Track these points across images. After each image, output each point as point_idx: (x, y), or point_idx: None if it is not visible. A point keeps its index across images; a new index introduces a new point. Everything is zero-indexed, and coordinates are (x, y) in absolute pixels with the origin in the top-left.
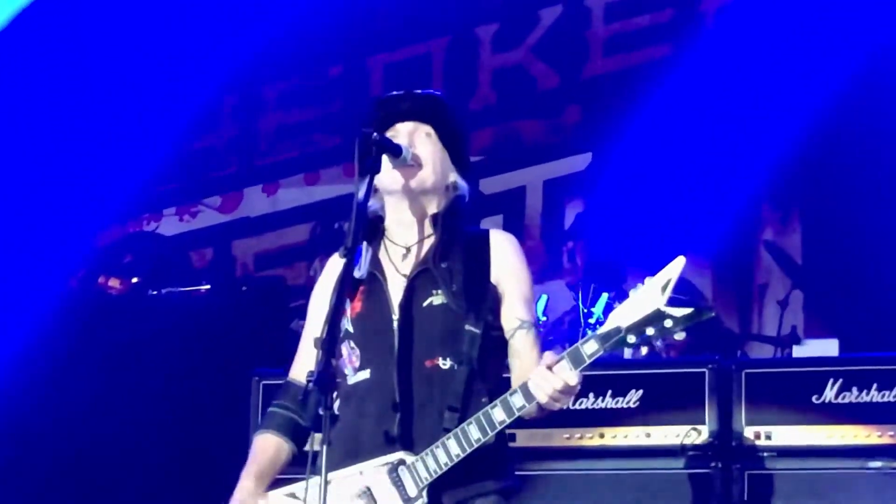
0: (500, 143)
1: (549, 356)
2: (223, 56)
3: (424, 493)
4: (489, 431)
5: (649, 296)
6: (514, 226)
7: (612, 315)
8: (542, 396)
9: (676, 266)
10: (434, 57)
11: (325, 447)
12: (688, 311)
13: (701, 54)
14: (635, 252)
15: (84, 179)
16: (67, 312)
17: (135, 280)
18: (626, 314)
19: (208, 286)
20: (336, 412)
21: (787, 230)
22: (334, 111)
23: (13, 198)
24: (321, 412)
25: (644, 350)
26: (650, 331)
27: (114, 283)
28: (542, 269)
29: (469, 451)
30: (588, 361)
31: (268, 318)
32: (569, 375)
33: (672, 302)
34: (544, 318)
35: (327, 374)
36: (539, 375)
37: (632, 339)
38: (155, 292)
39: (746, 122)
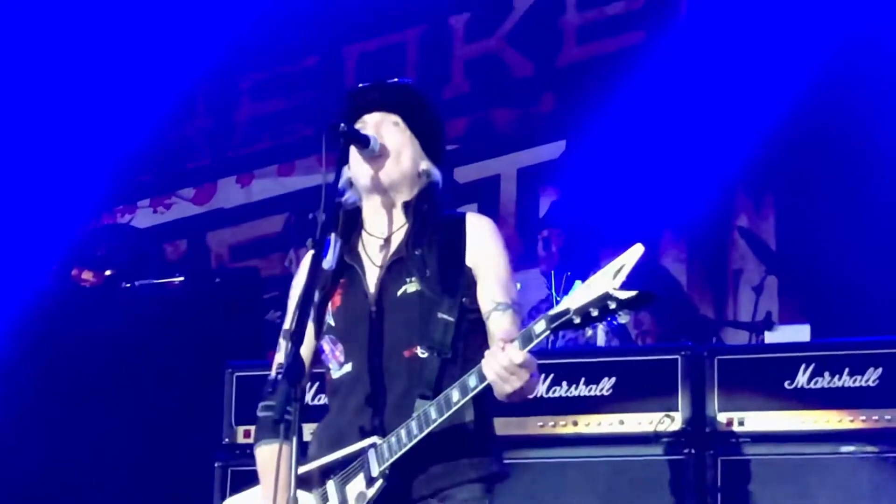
0: (474, 131)
1: (504, 336)
2: (197, 47)
3: (384, 474)
4: (445, 411)
5: (601, 280)
6: (488, 214)
7: (565, 298)
8: (490, 374)
9: (633, 253)
10: (408, 46)
11: (294, 439)
12: (631, 294)
13: (675, 41)
14: (610, 240)
15: (57, 171)
16: (40, 305)
17: (108, 273)
18: (577, 297)
19: (182, 278)
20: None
21: (761, 216)
22: (308, 101)
23: None
24: (289, 406)
25: (601, 331)
26: (594, 312)
27: (87, 275)
28: (517, 258)
29: (427, 430)
30: (536, 340)
31: (242, 310)
32: (515, 354)
33: (624, 287)
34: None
35: (296, 367)
36: (490, 354)
37: (577, 320)
38: (128, 285)
39: (720, 109)
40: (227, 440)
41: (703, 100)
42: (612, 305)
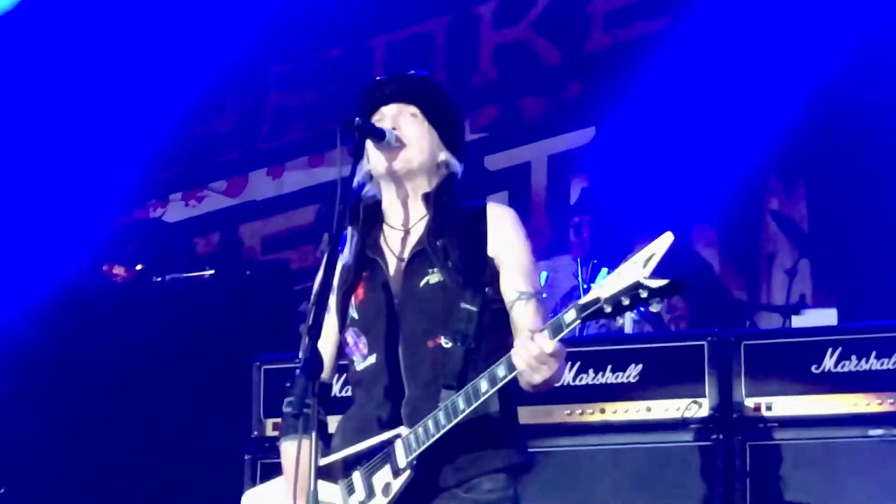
0: (504, 119)
1: (532, 326)
2: (225, 40)
3: (412, 465)
4: (473, 401)
5: (632, 269)
6: (519, 202)
7: (595, 286)
8: (520, 363)
9: (663, 242)
10: (436, 36)
11: (313, 434)
12: (662, 282)
13: (702, 26)
14: (641, 225)
15: (88, 167)
16: (72, 301)
17: (139, 267)
18: (607, 286)
19: (212, 272)
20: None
21: (793, 199)
22: (337, 92)
23: (18, 186)
24: (307, 400)
25: (629, 318)
26: (625, 301)
27: (118, 270)
28: (548, 245)
29: (455, 420)
30: (566, 330)
31: (272, 302)
32: (545, 343)
33: (654, 275)
34: (545, 295)
35: (313, 361)
36: (519, 343)
37: (608, 308)
38: (159, 279)
39: (750, 93)
40: (255, 433)
41: (732, 83)
42: (644, 294)
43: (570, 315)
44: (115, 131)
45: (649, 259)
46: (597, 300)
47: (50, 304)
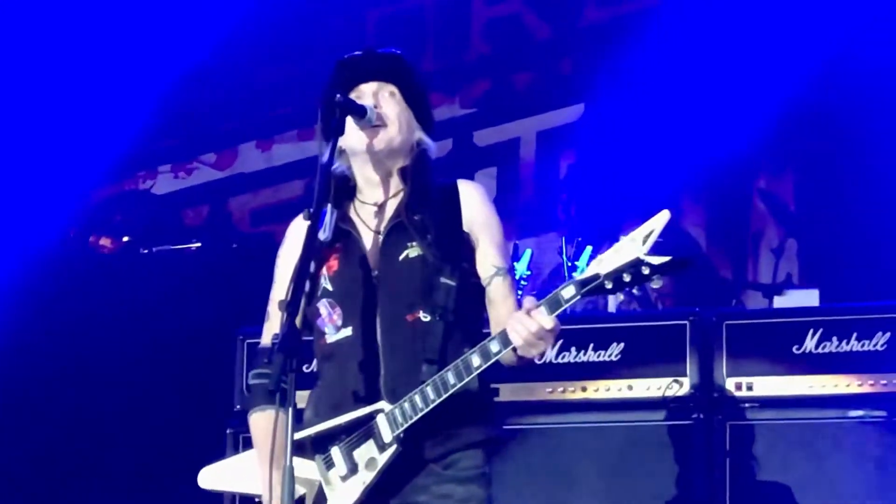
0: (494, 94)
1: (529, 301)
2: (217, 12)
3: (398, 439)
4: (465, 376)
5: (631, 245)
6: (508, 177)
7: (593, 263)
8: (518, 339)
9: (661, 218)
10: (427, 9)
11: (290, 410)
12: (665, 259)
13: (695, 3)
14: (629, 202)
15: (78, 137)
16: (57, 271)
17: (126, 239)
18: (606, 262)
19: (199, 244)
20: (312, 371)
21: (781, 178)
22: (328, 67)
23: (5, 154)
24: (285, 376)
25: (620, 297)
26: (627, 277)
27: (105, 241)
28: (536, 222)
29: (445, 395)
30: (565, 306)
31: (259, 276)
32: (544, 319)
33: (653, 252)
34: (528, 273)
35: (292, 338)
36: (516, 319)
37: (609, 285)
38: (146, 251)
39: (741, 72)
40: (238, 407)
41: (723, 62)
42: (646, 271)
43: (568, 291)
44: (105, 102)
45: (648, 236)
46: (596, 276)
47: (34, 274)
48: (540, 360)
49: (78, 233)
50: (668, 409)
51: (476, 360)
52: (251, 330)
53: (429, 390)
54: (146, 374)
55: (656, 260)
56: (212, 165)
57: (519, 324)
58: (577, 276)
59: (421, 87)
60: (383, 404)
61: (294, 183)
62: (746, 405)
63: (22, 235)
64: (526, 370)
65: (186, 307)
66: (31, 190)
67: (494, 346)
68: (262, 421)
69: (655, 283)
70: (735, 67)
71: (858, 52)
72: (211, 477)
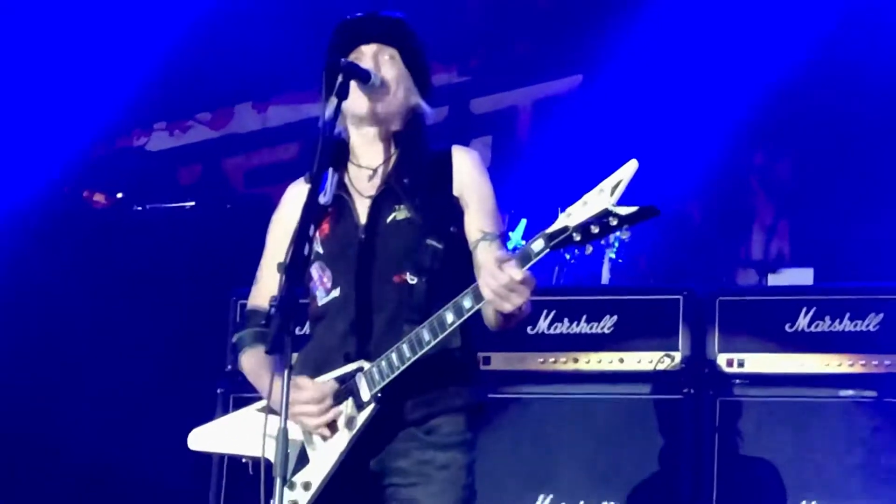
0: (490, 63)
1: (500, 254)
2: None
3: (376, 398)
4: (439, 333)
5: (599, 197)
6: (504, 146)
7: (561, 216)
8: (488, 293)
9: (629, 168)
10: None
11: (287, 371)
12: (632, 209)
13: None
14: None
15: (73, 93)
16: (50, 225)
17: (119, 195)
18: (575, 214)
19: (193, 203)
20: (305, 333)
21: (776, 157)
22: (326, 29)
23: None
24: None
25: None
26: (595, 229)
27: (98, 197)
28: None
29: (420, 352)
30: (535, 259)
31: (252, 237)
32: (514, 271)
33: (622, 203)
34: (523, 243)
35: (290, 300)
36: (486, 273)
37: (577, 237)
38: (140, 208)
39: (739, 48)
40: (229, 367)
41: (722, 37)
42: (614, 222)
43: (537, 244)
44: (102, 59)
45: (616, 186)
46: (565, 229)
47: (26, 227)
48: (521, 314)
49: (71, 187)
50: (658, 383)
51: (449, 317)
52: (244, 291)
53: (405, 348)
54: (137, 333)
55: (624, 210)
56: (207, 124)
57: (490, 276)
58: (548, 229)
59: (421, 53)
60: (363, 363)
61: (289, 145)
62: (737, 381)
63: (15, 187)
64: (518, 338)
65: (179, 266)
66: (26, 143)
67: (467, 302)
68: (253, 357)
69: (623, 235)
70: (733, 44)
71: (856, 32)
72: (201, 439)
